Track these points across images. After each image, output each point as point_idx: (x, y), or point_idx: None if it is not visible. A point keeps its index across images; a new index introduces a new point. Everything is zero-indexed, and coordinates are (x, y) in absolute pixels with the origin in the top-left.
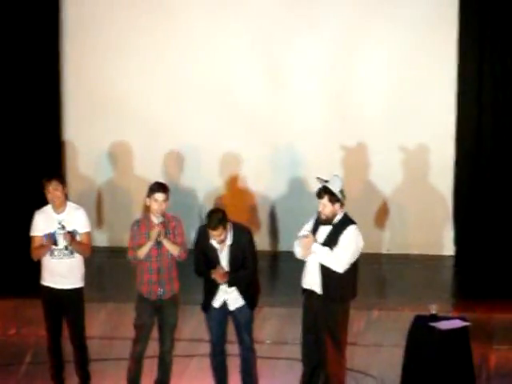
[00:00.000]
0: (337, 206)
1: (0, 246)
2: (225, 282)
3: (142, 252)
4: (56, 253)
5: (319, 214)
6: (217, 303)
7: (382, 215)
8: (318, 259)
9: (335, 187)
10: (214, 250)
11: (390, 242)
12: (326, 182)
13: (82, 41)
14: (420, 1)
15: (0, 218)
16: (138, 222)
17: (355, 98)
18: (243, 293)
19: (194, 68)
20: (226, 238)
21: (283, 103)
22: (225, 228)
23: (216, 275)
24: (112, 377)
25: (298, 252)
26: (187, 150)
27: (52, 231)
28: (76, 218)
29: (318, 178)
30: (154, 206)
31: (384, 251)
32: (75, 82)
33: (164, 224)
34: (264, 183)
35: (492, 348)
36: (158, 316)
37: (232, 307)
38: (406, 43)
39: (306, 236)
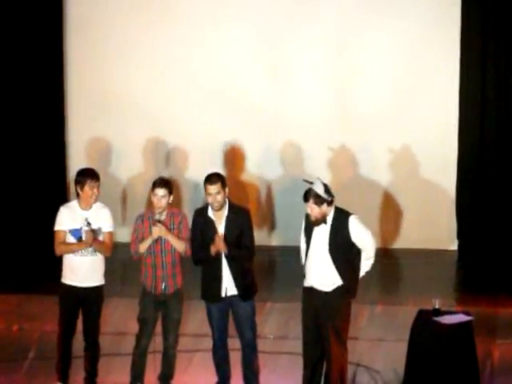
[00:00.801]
0: (324, 206)
1: (3, 243)
2: (226, 252)
3: (143, 247)
4: (81, 250)
5: (309, 216)
6: (222, 291)
7: (385, 210)
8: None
9: (319, 189)
10: (211, 224)
11: (392, 237)
12: (311, 183)
13: (84, 40)
14: (423, 0)
15: (4, 215)
16: (141, 217)
17: (357, 94)
18: (237, 281)
19: (196, 65)
20: (223, 204)
21: (285, 100)
22: (223, 189)
23: (216, 244)
24: (118, 372)
25: (303, 260)
26: (190, 146)
27: (78, 227)
28: (102, 217)
29: (305, 179)
30: (154, 201)
31: (387, 246)
32: (78, 81)
33: (168, 220)
34: (266, 179)
35: (496, 342)
36: (161, 311)
37: (229, 292)
38: (408, 41)
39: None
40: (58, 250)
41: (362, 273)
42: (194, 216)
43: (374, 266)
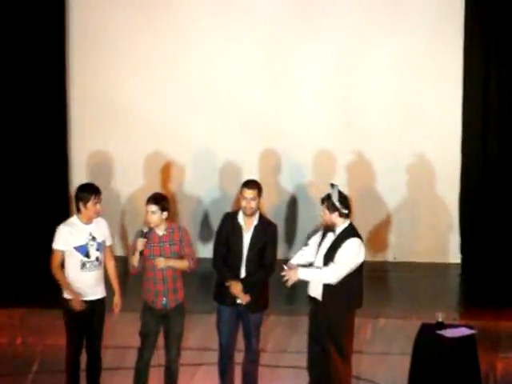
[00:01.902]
0: (334, 215)
1: (6, 257)
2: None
3: (133, 261)
4: (88, 265)
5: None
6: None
7: (388, 223)
8: (310, 280)
9: (334, 197)
10: (239, 231)
11: (396, 250)
12: (334, 188)
13: (87, 50)
14: (425, 7)
15: (6, 229)
16: (139, 232)
17: (360, 104)
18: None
19: (199, 77)
20: (254, 212)
21: (287, 109)
22: (258, 196)
23: (233, 289)
24: None
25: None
26: (191, 158)
27: (83, 243)
28: (103, 230)
29: (332, 184)
30: (147, 218)
31: (390, 259)
32: (81, 94)
33: (167, 235)
34: (267, 189)
35: (499, 356)
36: (163, 325)
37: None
38: (411, 50)
39: (289, 268)
40: (54, 273)
41: (310, 274)
42: (222, 218)
43: (377, 280)
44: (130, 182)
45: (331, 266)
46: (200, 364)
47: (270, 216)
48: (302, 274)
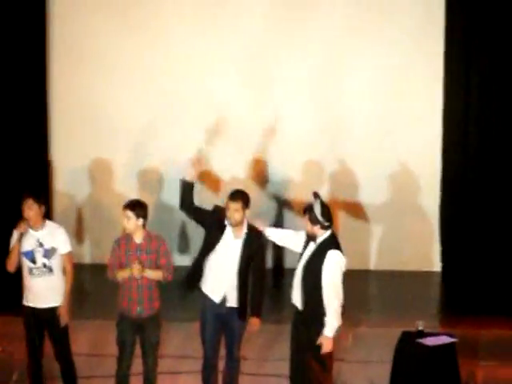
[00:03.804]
0: (316, 227)
1: None
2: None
3: (121, 276)
4: (34, 271)
5: None
6: (217, 297)
7: (368, 231)
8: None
9: (316, 209)
10: (222, 230)
11: (377, 258)
12: (316, 199)
13: (68, 56)
14: (406, 19)
15: None
16: (118, 240)
17: (341, 114)
18: (240, 295)
19: (180, 83)
20: (239, 223)
21: (269, 121)
22: (242, 208)
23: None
24: None
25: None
26: (172, 166)
27: (30, 249)
28: (57, 237)
29: (315, 193)
30: (123, 223)
31: (371, 267)
32: (60, 98)
33: (144, 243)
34: (253, 199)
35: (479, 364)
36: (139, 334)
37: (229, 304)
38: (392, 60)
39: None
40: (7, 265)
41: (333, 323)
42: (213, 210)
43: (358, 288)
44: (109, 189)
45: (329, 303)
46: (180, 372)
47: None
48: (330, 333)
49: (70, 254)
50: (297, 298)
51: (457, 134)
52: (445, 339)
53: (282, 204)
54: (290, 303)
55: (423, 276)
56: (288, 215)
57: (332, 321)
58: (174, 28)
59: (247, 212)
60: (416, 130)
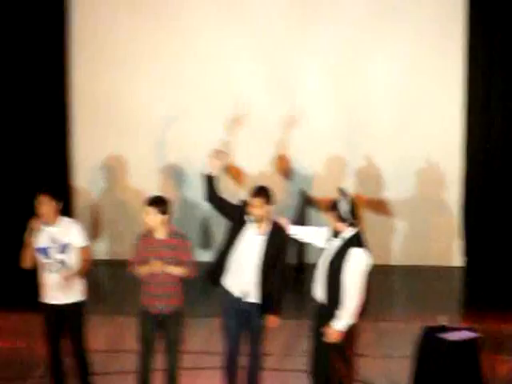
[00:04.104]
0: (341, 225)
1: (8, 261)
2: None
3: (142, 272)
4: (50, 267)
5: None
6: (237, 291)
7: (391, 226)
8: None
9: (343, 207)
10: (244, 227)
11: (398, 253)
12: (343, 196)
13: (88, 53)
14: (426, 13)
15: (8, 233)
16: (140, 237)
17: (362, 110)
18: (259, 291)
19: (202, 78)
20: (261, 219)
21: (293, 115)
22: (264, 204)
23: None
24: None
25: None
26: (191, 162)
27: (44, 245)
28: (71, 232)
29: (341, 189)
30: (145, 219)
31: (394, 263)
32: (82, 96)
33: (166, 240)
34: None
35: (501, 359)
36: (161, 330)
37: (249, 299)
38: (415, 56)
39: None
40: (21, 262)
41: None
42: (238, 203)
43: (380, 283)
44: (129, 186)
45: (345, 300)
46: (202, 368)
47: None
48: (336, 325)
49: (86, 248)
50: (320, 292)
51: (479, 128)
52: (467, 334)
53: (307, 200)
54: (311, 299)
55: (445, 271)
56: (312, 211)
57: (344, 316)
58: (196, 24)
59: (270, 208)
60: (438, 125)
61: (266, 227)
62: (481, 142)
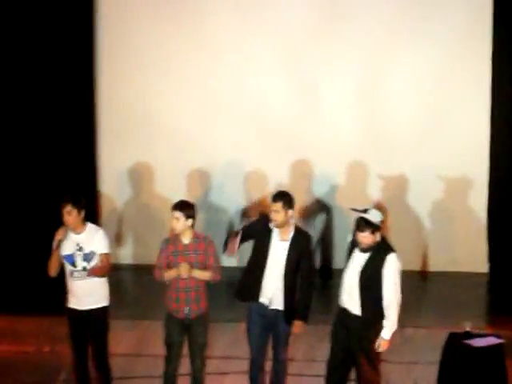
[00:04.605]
0: (377, 235)
1: (34, 264)
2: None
3: (168, 277)
4: (75, 274)
5: (359, 243)
6: (265, 299)
7: (415, 232)
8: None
9: (376, 218)
10: (269, 234)
11: (424, 259)
12: (365, 211)
13: (115, 59)
14: (451, 18)
15: (32, 237)
16: (166, 241)
17: (386, 115)
18: (286, 297)
19: (227, 84)
20: (282, 224)
21: (313, 121)
22: (285, 209)
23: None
24: None
25: None
26: (216, 167)
27: (70, 253)
28: (95, 240)
29: (354, 209)
30: (172, 224)
31: (417, 269)
32: (108, 101)
33: (192, 245)
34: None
35: None
36: (187, 335)
37: (274, 306)
38: (438, 60)
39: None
40: (48, 270)
41: (391, 327)
42: (257, 217)
43: (405, 289)
44: (154, 191)
45: (389, 306)
46: (227, 373)
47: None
48: (388, 335)
49: (107, 256)
50: (351, 302)
51: (505, 133)
52: (492, 340)
53: (329, 206)
54: (337, 304)
55: (471, 277)
56: (331, 217)
57: (392, 324)
58: (221, 30)
59: (291, 212)
60: (463, 129)
61: (288, 232)
62: (507, 148)
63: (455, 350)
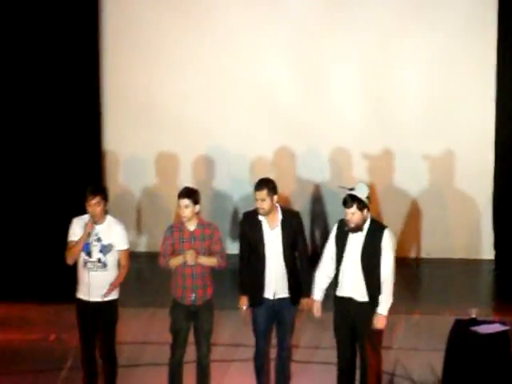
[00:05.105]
0: (365, 212)
1: (41, 253)
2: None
3: (173, 264)
4: (89, 265)
5: (347, 222)
6: (269, 293)
7: (422, 219)
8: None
9: (362, 194)
10: (259, 226)
11: (429, 246)
12: (351, 189)
13: (121, 50)
14: (458, 6)
15: (41, 225)
16: (171, 228)
17: (393, 103)
18: (290, 282)
19: (231, 73)
20: (269, 210)
21: (320, 108)
22: (270, 195)
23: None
24: (144, 382)
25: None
26: (223, 155)
27: (87, 242)
28: (115, 233)
29: (341, 186)
30: (179, 212)
31: (424, 255)
32: (114, 90)
33: (198, 231)
34: (298, 188)
35: None
36: (193, 322)
37: (278, 295)
38: (443, 47)
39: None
40: (67, 258)
41: (387, 302)
42: (242, 219)
43: (411, 276)
44: (162, 179)
45: (386, 280)
46: (232, 360)
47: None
48: (384, 311)
49: (126, 251)
50: (356, 289)
51: (510, 122)
52: (498, 327)
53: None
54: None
55: (476, 264)
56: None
57: (388, 298)
58: (223, 16)
59: (276, 198)
60: (469, 118)
61: (277, 218)
62: (511, 133)
63: (461, 336)
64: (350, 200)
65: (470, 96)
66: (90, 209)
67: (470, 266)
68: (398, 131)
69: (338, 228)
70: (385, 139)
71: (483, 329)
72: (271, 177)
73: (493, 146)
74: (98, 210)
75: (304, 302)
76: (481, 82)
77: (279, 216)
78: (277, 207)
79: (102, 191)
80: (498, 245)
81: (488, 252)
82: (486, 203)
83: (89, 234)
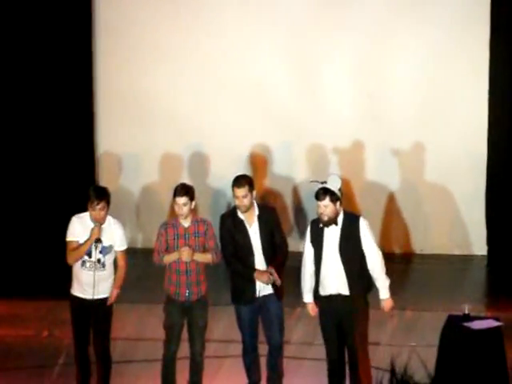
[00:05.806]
0: (338, 204)
1: (34, 250)
2: (269, 282)
3: (168, 261)
4: (88, 264)
5: (320, 216)
6: (255, 292)
7: (414, 214)
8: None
9: (334, 186)
10: (242, 224)
11: (422, 243)
12: (323, 182)
13: (113, 44)
14: (450, 2)
15: (35, 223)
16: (165, 225)
17: (386, 97)
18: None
19: (224, 71)
20: (249, 206)
21: (313, 103)
22: (250, 192)
23: (261, 277)
24: (137, 378)
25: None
26: (217, 152)
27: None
28: (114, 233)
29: (313, 180)
30: (176, 209)
31: (417, 251)
32: (108, 89)
33: (192, 227)
34: (292, 183)
35: None
36: (186, 318)
37: (262, 293)
38: (437, 42)
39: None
40: (70, 259)
41: (386, 285)
42: (221, 220)
43: (403, 272)
44: (156, 177)
45: (376, 264)
46: (226, 356)
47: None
48: (387, 294)
49: (124, 251)
50: (339, 283)
51: (503, 117)
52: (491, 323)
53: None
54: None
55: (469, 260)
56: None
57: (386, 281)
58: (217, 10)
59: (254, 193)
60: (462, 113)
61: (254, 214)
62: (505, 131)
63: (454, 332)
64: (322, 192)
65: (463, 92)
66: (93, 212)
67: (463, 261)
68: (392, 128)
69: (312, 229)
70: (376, 134)
71: (476, 325)
72: (267, 174)
73: (486, 142)
74: (103, 214)
75: (259, 273)
76: (474, 77)
77: (256, 212)
78: (253, 203)
79: (107, 195)
80: (490, 241)
81: (481, 248)
82: (478, 199)
83: (96, 241)
